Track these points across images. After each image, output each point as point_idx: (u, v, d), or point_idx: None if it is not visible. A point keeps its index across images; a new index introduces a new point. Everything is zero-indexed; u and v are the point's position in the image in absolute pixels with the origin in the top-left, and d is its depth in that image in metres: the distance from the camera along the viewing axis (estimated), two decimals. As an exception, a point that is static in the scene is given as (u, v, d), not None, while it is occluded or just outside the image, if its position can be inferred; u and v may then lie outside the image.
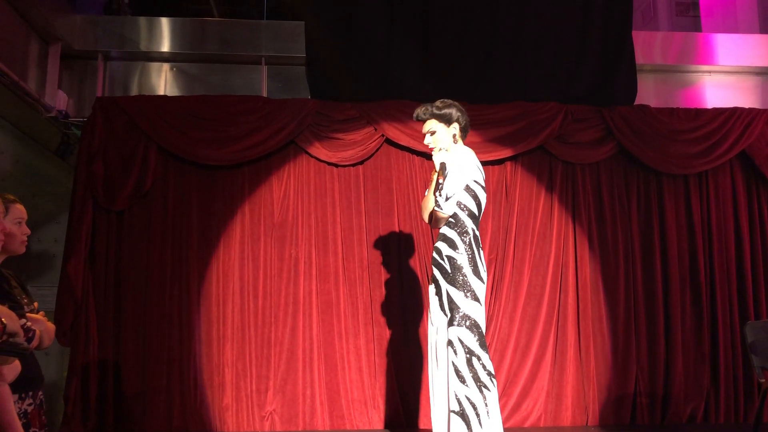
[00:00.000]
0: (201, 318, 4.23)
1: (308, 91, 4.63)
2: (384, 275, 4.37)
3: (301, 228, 4.40)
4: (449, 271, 2.82)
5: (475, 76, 4.58)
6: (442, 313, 2.84)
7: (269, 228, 4.39)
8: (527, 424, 4.26)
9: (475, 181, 2.88)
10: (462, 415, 2.65)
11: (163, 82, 4.81)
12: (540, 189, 4.58)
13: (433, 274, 2.94)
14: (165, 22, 4.76)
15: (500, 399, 3.54)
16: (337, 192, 4.46)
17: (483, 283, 2.83)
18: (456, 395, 2.67)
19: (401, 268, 4.38)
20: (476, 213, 2.89)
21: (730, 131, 4.62)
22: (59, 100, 4.45)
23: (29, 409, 2.31)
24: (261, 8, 5.71)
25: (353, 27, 4.50)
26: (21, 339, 1.98)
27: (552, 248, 4.48)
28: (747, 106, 4.77)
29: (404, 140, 4.44)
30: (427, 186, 3.19)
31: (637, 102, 4.70)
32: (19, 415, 2.17)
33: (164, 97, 4.58)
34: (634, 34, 4.76)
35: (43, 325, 2.25)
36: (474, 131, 4.14)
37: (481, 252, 2.88)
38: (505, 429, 2.91)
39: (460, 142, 3.00)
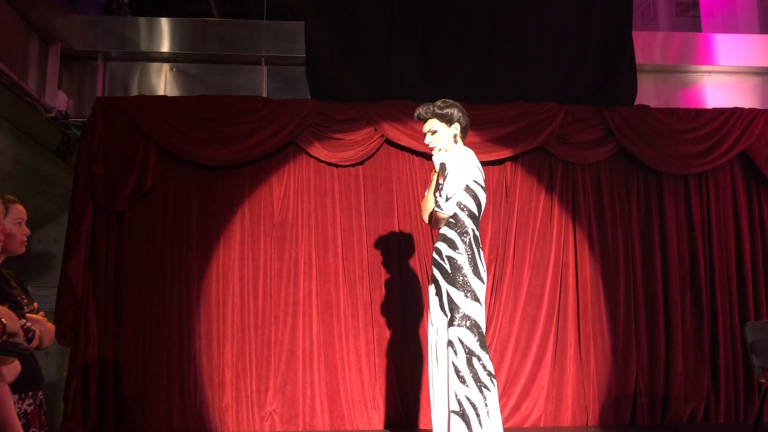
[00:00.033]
0: (201, 318, 4.23)
1: (308, 91, 4.63)
2: (384, 275, 4.37)
3: (301, 228, 4.40)
4: (449, 271, 2.82)
5: (475, 76, 4.58)
6: (442, 313, 2.84)
7: (269, 228, 4.39)
8: (527, 425, 4.26)
9: (475, 182, 2.88)
10: (462, 415, 2.65)
11: (163, 82, 4.81)
12: (540, 189, 4.58)
13: (433, 274, 2.94)
14: (165, 23, 4.76)
15: (500, 399, 3.54)
16: (337, 192, 4.46)
17: (483, 283, 2.83)
18: (456, 395, 2.67)
19: (401, 269, 4.38)
20: (476, 213, 2.89)
21: (730, 131, 4.62)
22: (59, 100, 4.45)
23: (29, 409, 2.31)
24: (261, 8, 5.71)
25: (353, 27, 4.50)
26: (21, 339, 1.98)
27: (552, 248, 4.48)
28: (747, 106, 4.77)
29: (404, 140, 4.44)
30: (426, 186, 3.18)
31: (637, 102, 4.70)
32: (18, 415, 2.17)
33: (164, 97, 4.58)
34: (634, 34, 4.76)
35: (42, 325, 2.25)
36: (474, 131, 4.15)
37: (481, 252, 2.89)
38: (505, 429, 2.91)
39: (460, 142, 3.00)
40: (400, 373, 4.23)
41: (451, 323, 2.76)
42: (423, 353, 4.12)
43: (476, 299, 2.78)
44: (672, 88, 5.06)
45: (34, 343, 2.09)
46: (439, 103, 2.99)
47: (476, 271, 2.81)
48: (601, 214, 4.56)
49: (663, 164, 4.58)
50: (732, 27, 6.09)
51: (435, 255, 2.92)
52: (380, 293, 4.35)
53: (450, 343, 2.74)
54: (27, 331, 2.03)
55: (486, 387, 2.68)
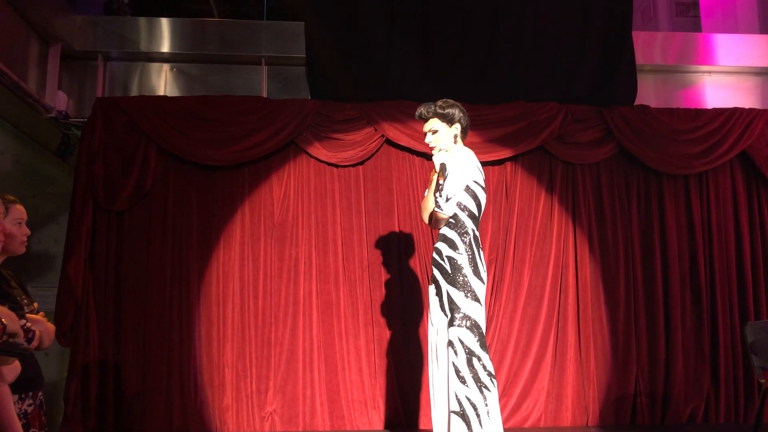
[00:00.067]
0: (201, 318, 4.23)
1: (308, 91, 4.63)
2: (384, 275, 4.37)
3: (301, 228, 4.40)
4: (449, 271, 2.82)
5: (475, 76, 4.58)
6: (442, 313, 2.84)
7: (269, 228, 4.38)
8: (527, 425, 4.26)
9: (475, 182, 2.89)
10: (462, 415, 2.65)
11: (163, 82, 4.81)
12: (540, 189, 4.58)
13: (433, 274, 2.94)
14: (165, 23, 4.76)
15: (500, 399, 3.54)
16: (337, 192, 4.46)
17: (483, 283, 2.83)
18: (456, 395, 2.67)
19: (401, 269, 4.38)
20: (476, 213, 2.89)
21: (730, 131, 4.62)
22: (59, 100, 4.45)
23: (29, 409, 2.31)
24: (261, 8, 5.71)
25: (353, 27, 4.50)
26: (21, 339, 1.98)
27: (552, 249, 4.48)
28: (747, 107, 4.77)
29: (404, 140, 4.44)
30: (426, 186, 3.18)
31: (637, 102, 4.70)
32: (18, 415, 2.17)
33: (164, 97, 4.58)
34: (634, 34, 4.76)
35: (42, 325, 2.25)
36: (474, 131, 4.15)
37: (481, 252, 2.89)
38: (505, 429, 2.91)
39: (460, 142, 3.00)
40: (400, 373, 4.23)
41: (451, 323, 2.76)
42: (423, 353, 4.12)
43: (476, 299, 2.78)
44: (672, 88, 5.06)
45: (34, 343, 2.09)
46: (440, 102, 2.99)
47: (476, 272, 2.81)
48: (601, 214, 4.56)
49: (663, 164, 4.58)
50: (732, 27, 6.09)
51: (435, 255, 2.92)
52: (380, 293, 4.35)
53: (450, 344, 2.74)
54: (27, 331, 2.03)
55: (486, 387, 2.68)
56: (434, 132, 2.98)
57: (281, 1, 5.97)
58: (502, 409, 3.95)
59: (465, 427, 2.63)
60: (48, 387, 3.39)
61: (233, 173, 4.42)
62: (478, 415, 2.64)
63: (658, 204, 4.61)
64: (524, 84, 4.61)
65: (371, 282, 4.35)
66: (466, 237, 2.83)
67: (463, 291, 2.77)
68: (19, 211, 2.35)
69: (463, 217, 2.85)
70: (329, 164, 4.48)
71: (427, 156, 4.13)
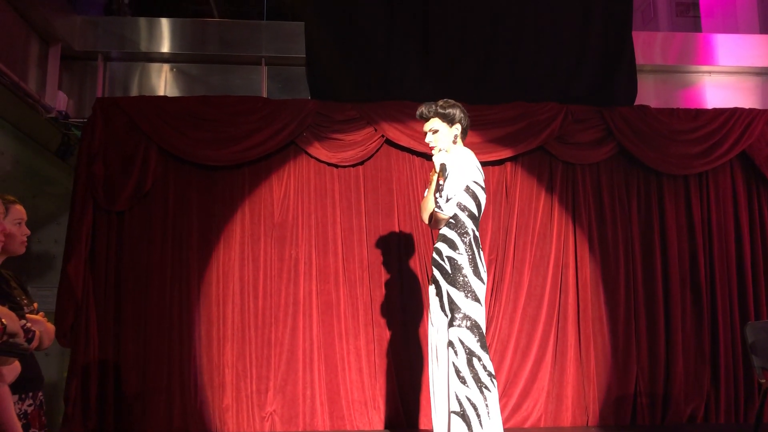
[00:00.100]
0: (201, 318, 4.23)
1: (308, 91, 4.62)
2: (384, 276, 4.37)
3: (301, 228, 4.40)
4: (449, 271, 2.82)
5: (475, 76, 4.58)
6: (442, 313, 2.84)
7: (269, 228, 4.38)
8: (528, 425, 4.26)
9: (474, 182, 2.89)
10: (463, 415, 2.65)
11: (163, 82, 4.81)
12: (540, 189, 4.58)
13: (433, 274, 2.94)
14: (165, 23, 4.76)
15: (501, 399, 3.54)
16: (338, 192, 4.46)
17: (483, 283, 2.83)
18: (457, 396, 2.67)
19: (401, 269, 4.38)
20: (476, 214, 2.89)
21: (731, 131, 4.62)
22: (59, 100, 4.45)
23: (29, 409, 2.31)
24: (261, 8, 5.71)
25: (353, 27, 4.50)
26: (21, 340, 1.98)
27: (552, 249, 4.48)
28: (747, 107, 4.77)
29: (404, 141, 4.44)
30: (426, 186, 3.19)
31: (637, 102, 4.70)
32: (18, 415, 2.17)
33: (164, 97, 4.58)
34: (634, 34, 4.76)
35: (42, 325, 2.25)
36: (474, 132, 4.15)
37: (482, 252, 2.89)
38: (505, 429, 2.91)
39: (460, 143, 3.00)
40: (400, 373, 4.23)
41: (451, 323, 2.76)
42: (423, 353, 4.12)
43: (476, 299, 2.78)
44: (672, 88, 5.06)
45: (34, 343, 2.09)
46: (441, 102, 2.99)
47: (476, 272, 2.81)
48: (601, 214, 4.56)
49: (663, 164, 4.58)
50: (732, 27, 6.09)
51: (435, 255, 2.92)
52: (380, 293, 4.35)
53: (450, 344, 2.74)
54: (27, 331, 2.03)
55: (486, 387, 2.68)
56: (435, 132, 2.98)
57: (281, 1, 5.97)
58: (503, 409, 3.95)
59: (465, 427, 2.63)
60: (48, 387, 3.40)
61: (233, 173, 4.42)
62: (478, 416, 2.64)
63: (658, 204, 4.61)
64: (524, 84, 4.61)
65: (371, 282, 4.35)
66: (466, 237, 2.83)
67: (464, 291, 2.77)
68: (19, 211, 2.35)
69: (463, 217, 2.86)
70: (329, 164, 4.48)
71: (427, 156, 4.13)
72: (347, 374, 4.24)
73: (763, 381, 3.33)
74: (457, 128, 2.98)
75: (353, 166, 4.49)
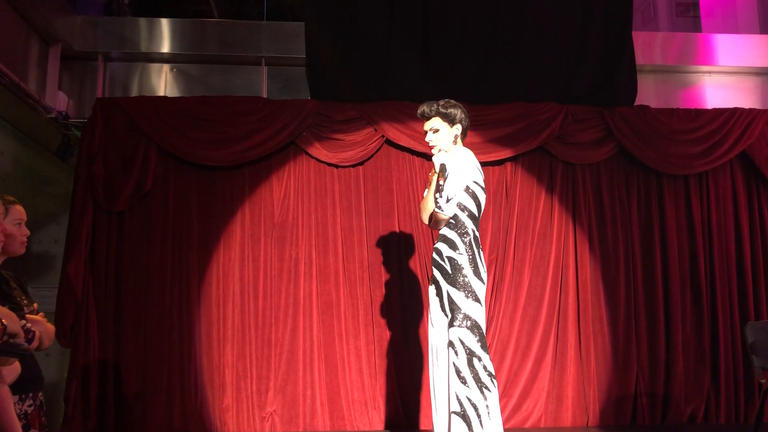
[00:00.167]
0: (201, 319, 4.23)
1: (308, 91, 4.62)
2: (384, 276, 4.37)
3: (301, 229, 4.40)
4: (450, 271, 2.82)
5: (475, 76, 4.58)
6: (442, 313, 2.84)
7: (269, 229, 4.38)
8: (528, 425, 4.26)
9: (474, 182, 2.89)
10: (463, 415, 2.65)
11: (163, 82, 4.81)
12: (540, 190, 4.58)
13: (433, 274, 2.94)
14: (165, 23, 4.76)
15: (501, 400, 3.54)
16: (338, 193, 4.46)
17: (483, 283, 2.83)
18: (457, 396, 2.67)
19: (401, 269, 4.38)
20: (476, 214, 2.89)
21: (731, 132, 4.62)
22: (59, 100, 4.45)
23: (29, 410, 2.31)
24: (261, 9, 5.71)
25: (353, 27, 4.50)
26: (21, 340, 1.98)
27: (552, 249, 4.48)
28: (747, 107, 4.77)
29: (404, 141, 4.44)
30: (426, 186, 3.19)
31: (637, 102, 4.70)
32: (19, 416, 2.17)
33: (164, 98, 4.58)
34: (634, 34, 4.76)
35: (42, 326, 2.25)
36: (474, 132, 4.15)
37: (482, 253, 2.89)
38: (505, 429, 2.91)
39: (459, 143, 3.00)
40: (400, 373, 4.23)
41: (451, 324, 2.76)
42: (423, 354, 4.12)
43: (477, 300, 2.78)
44: (672, 88, 5.06)
45: (34, 343, 2.09)
46: (442, 102, 2.99)
47: (477, 272, 2.81)
48: (601, 214, 4.56)
49: (663, 164, 4.58)
50: (732, 27, 6.08)
51: (435, 255, 2.92)
52: (380, 293, 4.35)
53: (451, 344, 2.74)
54: (27, 332, 2.03)
55: (487, 387, 2.68)
56: (435, 131, 2.98)
57: (281, 2, 5.97)
58: (503, 409, 3.94)
59: (466, 428, 2.63)
60: (48, 387, 3.39)
61: (233, 174, 4.42)
62: (478, 416, 2.64)
63: (658, 204, 4.61)
64: (524, 84, 4.61)
65: (371, 282, 4.35)
66: (466, 237, 2.83)
67: (464, 291, 2.77)
68: (19, 211, 2.35)
69: (463, 217, 2.86)
70: (329, 164, 4.47)
71: (428, 156, 4.13)
72: (347, 374, 4.24)
73: (764, 381, 3.32)
74: (458, 128, 2.98)
75: (353, 166, 4.49)
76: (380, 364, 4.25)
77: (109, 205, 4.22)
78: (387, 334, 4.30)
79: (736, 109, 4.72)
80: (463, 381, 2.67)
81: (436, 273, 2.90)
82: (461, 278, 2.79)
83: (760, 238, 4.61)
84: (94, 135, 4.26)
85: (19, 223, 2.35)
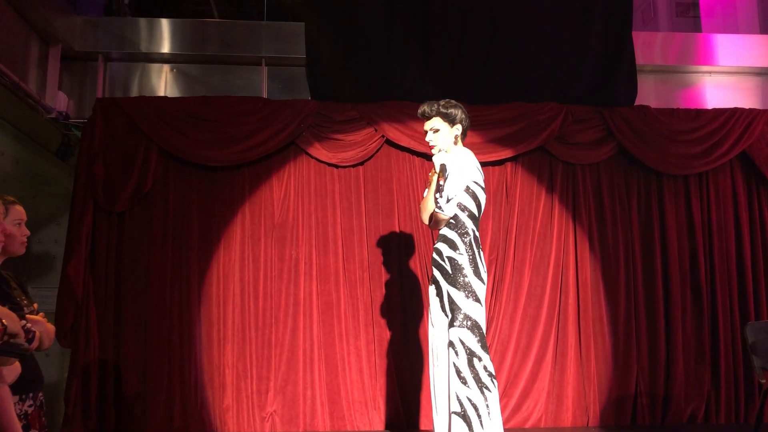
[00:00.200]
0: (201, 319, 4.23)
1: (308, 91, 4.62)
2: (384, 276, 4.37)
3: (301, 229, 4.40)
4: (450, 272, 2.82)
5: (475, 77, 4.58)
6: (443, 314, 2.84)
7: (269, 229, 4.38)
8: (528, 425, 4.25)
9: (474, 182, 2.89)
10: (463, 416, 2.65)
11: (164, 83, 4.81)
12: (540, 190, 4.57)
13: (433, 275, 2.94)
14: (165, 23, 4.76)
15: (501, 400, 3.55)
16: (338, 193, 4.46)
17: (483, 283, 2.83)
18: (457, 396, 2.67)
19: (401, 269, 4.38)
20: (476, 214, 2.89)
21: (731, 132, 4.62)
22: (60, 101, 4.45)
23: (29, 410, 2.31)
24: (261, 9, 5.71)
25: (353, 27, 4.50)
26: (21, 340, 1.98)
27: (552, 249, 4.48)
28: (747, 107, 4.77)
29: (404, 141, 4.44)
30: (426, 187, 3.19)
31: (637, 102, 4.70)
32: (19, 416, 2.17)
33: (164, 98, 4.58)
34: (634, 34, 4.76)
35: (42, 326, 2.25)
36: (474, 132, 4.15)
37: (482, 253, 2.89)
38: (506, 430, 2.92)
39: (459, 143, 3.01)
40: (400, 373, 4.23)
41: (451, 324, 2.76)
42: (423, 354, 4.12)
43: (477, 300, 2.78)
44: (672, 88, 5.06)
45: (35, 344, 2.09)
46: (443, 102, 2.99)
47: (477, 272, 2.81)
48: (601, 214, 4.56)
49: (663, 165, 4.58)
50: (732, 27, 6.09)
51: (435, 256, 2.92)
52: (381, 294, 4.35)
53: (451, 344, 2.74)
54: (27, 332, 2.03)
55: (487, 388, 2.68)
56: (436, 131, 2.98)
57: (281, 2, 5.97)
58: (503, 409, 3.94)
59: (466, 428, 2.63)
60: (48, 388, 3.39)
61: (233, 174, 4.42)
62: (479, 416, 2.64)
63: (658, 204, 4.61)
64: (524, 84, 4.61)
65: (371, 282, 4.35)
66: (466, 237, 2.83)
67: (464, 291, 2.77)
68: (19, 211, 2.35)
69: (464, 217, 2.86)
70: (329, 165, 4.48)
71: (428, 156, 4.13)
72: (347, 374, 4.24)
73: (764, 381, 3.32)
74: (458, 129, 2.98)
75: (353, 166, 4.49)
76: (380, 364, 4.25)
77: (109, 206, 4.22)
78: (387, 334, 4.30)
79: (736, 109, 4.72)
80: (464, 381, 2.67)
81: (437, 273, 2.90)
82: (461, 278, 2.79)
83: (760, 238, 4.61)
84: (94, 135, 4.26)
85: (19, 223, 2.35)
